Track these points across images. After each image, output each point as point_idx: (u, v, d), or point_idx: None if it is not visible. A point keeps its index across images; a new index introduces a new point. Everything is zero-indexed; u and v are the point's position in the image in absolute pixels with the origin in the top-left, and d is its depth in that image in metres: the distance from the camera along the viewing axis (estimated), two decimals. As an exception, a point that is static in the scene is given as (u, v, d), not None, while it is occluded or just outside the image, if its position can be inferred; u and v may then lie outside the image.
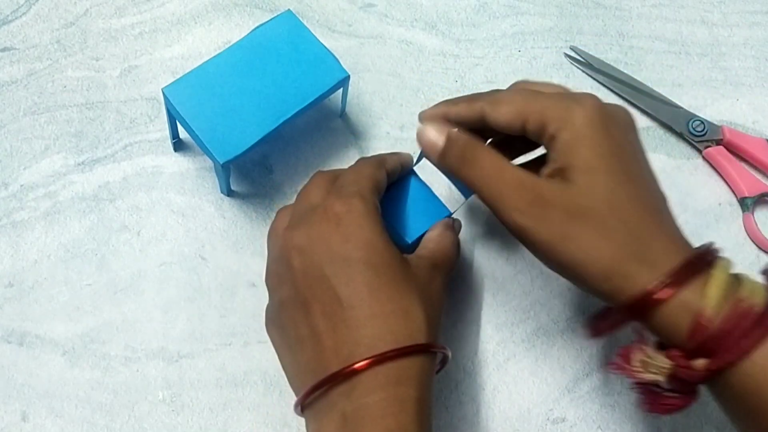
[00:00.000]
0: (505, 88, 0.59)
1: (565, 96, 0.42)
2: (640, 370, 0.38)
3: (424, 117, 0.45)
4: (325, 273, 0.39)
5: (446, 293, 0.44)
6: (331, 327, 0.38)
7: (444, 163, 0.43)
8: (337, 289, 0.38)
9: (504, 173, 0.40)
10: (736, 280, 0.37)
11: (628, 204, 0.38)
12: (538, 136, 0.41)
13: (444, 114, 0.44)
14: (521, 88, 0.45)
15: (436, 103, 0.46)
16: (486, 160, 0.41)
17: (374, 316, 0.38)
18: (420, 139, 0.43)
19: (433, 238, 0.45)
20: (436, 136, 0.43)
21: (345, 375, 0.37)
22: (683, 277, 0.36)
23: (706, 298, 0.36)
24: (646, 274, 0.37)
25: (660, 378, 0.37)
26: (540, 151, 0.45)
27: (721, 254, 0.39)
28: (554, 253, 0.39)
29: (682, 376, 0.36)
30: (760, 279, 0.39)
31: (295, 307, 0.39)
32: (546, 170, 0.41)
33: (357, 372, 0.37)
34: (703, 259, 0.38)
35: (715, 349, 0.35)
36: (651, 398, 0.39)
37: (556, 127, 0.40)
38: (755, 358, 0.35)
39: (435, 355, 0.40)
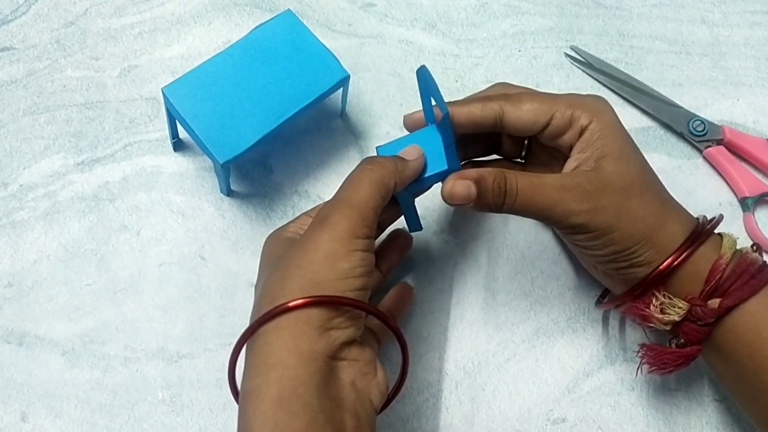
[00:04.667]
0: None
1: (577, 95, 0.46)
2: (658, 312, 0.43)
3: (409, 125, 0.47)
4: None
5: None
6: None
7: (484, 206, 0.44)
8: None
9: (544, 187, 0.43)
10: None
11: (653, 180, 0.45)
12: (559, 132, 0.45)
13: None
14: (508, 88, 0.48)
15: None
16: (521, 183, 0.43)
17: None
18: (452, 198, 0.43)
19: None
20: (466, 187, 0.43)
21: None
22: (703, 234, 0.44)
23: (722, 249, 0.43)
24: (680, 232, 0.44)
25: (676, 318, 0.43)
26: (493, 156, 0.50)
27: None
28: (613, 235, 0.43)
29: (698, 314, 0.42)
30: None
31: None
32: (573, 163, 0.45)
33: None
34: (711, 223, 0.45)
35: (727, 289, 0.42)
36: (658, 355, 0.45)
37: (587, 119, 0.44)
38: (758, 299, 0.42)
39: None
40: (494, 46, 0.61)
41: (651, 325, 0.44)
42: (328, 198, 0.53)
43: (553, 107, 0.44)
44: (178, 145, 0.55)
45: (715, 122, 0.58)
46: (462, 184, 0.43)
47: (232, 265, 0.52)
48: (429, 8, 0.62)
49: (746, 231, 0.55)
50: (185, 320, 0.50)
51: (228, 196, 0.54)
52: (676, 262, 0.43)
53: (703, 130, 0.57)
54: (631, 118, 0.58)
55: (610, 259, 0.44)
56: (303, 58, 0.51)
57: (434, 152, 0.45)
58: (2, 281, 0.51)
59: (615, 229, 0.43)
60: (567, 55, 0.61)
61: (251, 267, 0.52)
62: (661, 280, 0.44)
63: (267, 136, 0.49)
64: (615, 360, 0.51)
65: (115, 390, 0.48)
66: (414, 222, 0.48)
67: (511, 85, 0.48)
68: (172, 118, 0.51)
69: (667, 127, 0.58)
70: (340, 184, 0.42)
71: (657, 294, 0.44)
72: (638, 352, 0.46)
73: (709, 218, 0.46)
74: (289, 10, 0.52)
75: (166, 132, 0.55)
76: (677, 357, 0.44)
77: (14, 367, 0.48)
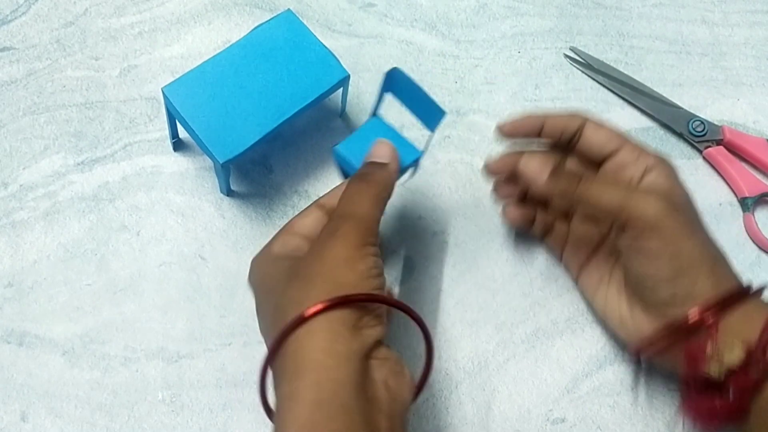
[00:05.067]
0: (504, 89, 0.59)
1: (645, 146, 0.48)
2: (714, 359, 0.40)
3: (505, 131, 0.50)
4: None
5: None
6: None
7: (556, 184, 0.47)
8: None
9: (625, 187, 0.45)
10: None
11: (707, 234, 0.45)
12: (624, 162, 0.47)
13: (536, 121, 0.49)
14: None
15: (520, 116, 0.49)
16: (601, 178, 0.46)
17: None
18: (525, 168, 0.48)
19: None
20: (543, 161, 0.48)
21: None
22: (755, 290, 0.43)
23: None
24: (732, 274, 0.44)
25: (736, 361, 0.40)
26: None
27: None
28: (685, 243, 0.43)
29: (759, 361, 0.39)
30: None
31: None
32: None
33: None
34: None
35: None
36: (702, 403, 0.41)
37: (653, 162, 0.46)
38: None
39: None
40: (494, 47, 0.61)
41: (700, 373, 0.41)
42: (328, 198, 0.54)
43: (625, 141, 0.47)
44: (178, 145, 0.55)
45: (715, 122, 0.58)
46: (539, 158, 0.48)
47: (232, 265, 0.52)
48: (429, 9, 0.62)
49: (746, 231, 0.55)
50: (185, 320, 0.50)
51: (228, 196, 0.54)
52: (746, 294, 0.42)
53: (703, 130, 0.57)
54: (631, 119, 0.58)
55: (667, 278, 0.43)
56: (303, 58, 0.51)
57: (396, 142, 0.46)
58: (2, 281, 0.51)
59: (688, 238, 0.43)
60: (566, 56, 0.61)
61: (251, 267, 0.52)
62: (715, 322, 0.41)
63: (267, 136, 0.49)
64: (614, 360, 0.51)
65: (115, 390, 0.48)
66: None
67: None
68: (172, 118, 0.51)
69: (667, 127, 0.58)
70: (336, 180, 0.43)
71: (714, 336, 0.41)
72: (680, 407, 0.44)
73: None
74: (289, 10, 0.52)
75: (166, 132, 0.55)
76: (724, 411, 0.40)
77: (14, 367, 0.48)
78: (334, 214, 0.42)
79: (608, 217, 0.45)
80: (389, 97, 0.48)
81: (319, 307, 0.37)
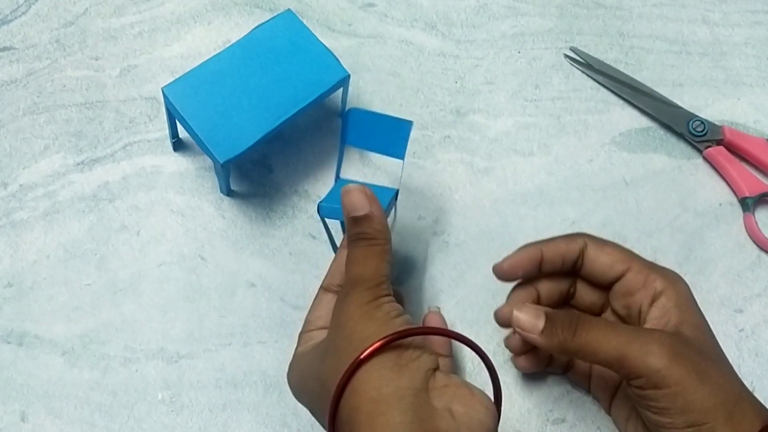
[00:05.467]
0: (504, 89, 0.59)
1: (654, 263, 0.45)
2: None
3: (504, 272, 0.47)
4: None
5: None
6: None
7: (551, 339, 0.42)
8: None
9: (619, 329, 0.41)
10: None
11: (726, 357, 0.43)
12: (632, 287, 0.44)
13: (534, 252, 0.46)
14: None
15: (517, 250, 0.47)
16: (595, 321, 0.42)
17: None
18: (517, 323, 0.43)
19: None
20: (535, 314, 0.43)
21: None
22: None
23: None
24: (759, 414, 0.40)
25: None
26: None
27: None
28: (694, 396, 0.39)
29: None
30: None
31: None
32: (649, 324, 0.43)
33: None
34: None
35: None
36: None
37: (663, 285, 0.43)
38: None
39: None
40: (494, 47, 0.61)
41: None
42: (328, 198, 0.54)
43: (631, 261, 0.45)
44: (178, 144, 0.55)
45: (715, 122, 0.58)
46: (531, 313, 0.43)
47: (232, 265, 0.52)
48: (429, 9, 0.62)
49: (746, 231, 0.55)
50: (185, 320, 0.50)
51: (228, 196, 0.54)
52: None
53: (703, 130, 0.57)
54: (631, 119, 0.58)
55: (685, 427, 0.39)
56: (303, 58, 0.51)
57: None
58: (2, 281, 0.51)
59: (696, 390, 0.39)
60: (566, 56, 0.61)
61: (251, 267, 0.52)
62: None
63: (267, 136, 0.49)
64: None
65: (115, 390, 0.48)
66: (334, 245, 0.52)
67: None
68: (172, 118, 0.51)
69: (667, 127, 0.58)
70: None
71: None
72: None
73: None
74: (289, 9, 0.52)
75: (166, 132, 0.54)
76: None
77: (14, 367, 0.48)
78: (344, 283, 0.42)
79: (611, 369, 0.41)
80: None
81: (353, 365, 0.37)
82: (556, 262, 0.46)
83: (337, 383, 0.37)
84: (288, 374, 0.44)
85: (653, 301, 0.43)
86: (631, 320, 0.45)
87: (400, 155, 0.48)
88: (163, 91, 0.49)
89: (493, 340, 0.51)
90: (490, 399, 0.39)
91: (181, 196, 0.54)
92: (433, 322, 0.48)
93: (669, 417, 0.40)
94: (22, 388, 0.48)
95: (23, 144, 0.55)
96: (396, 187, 0.49)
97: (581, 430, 0.49)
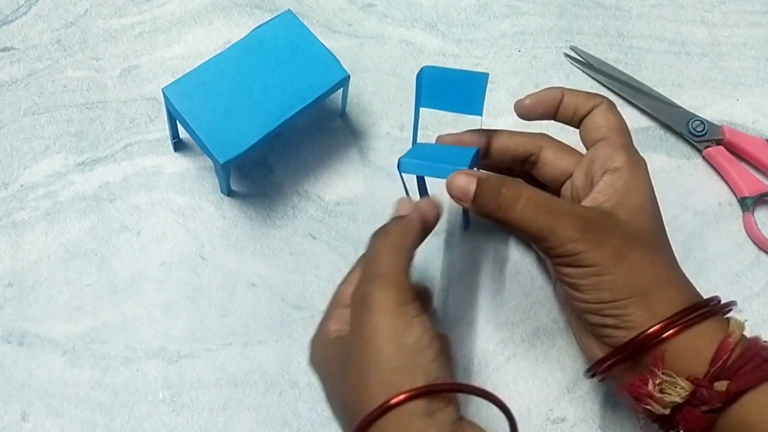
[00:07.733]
0: (504, 88, 0.59)
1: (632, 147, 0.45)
2: (657, 392, 0.38)
3: (526, 109, 0.47)
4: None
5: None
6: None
7: (480, 206, 0.42)
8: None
9: (552, 206, 0.41)
10: None
11: (665, 244, 0.43)
12: (599, 155, 0.44)
13: (556, 93, 0.46)
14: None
15: (541, 90, 0.47)
16: (528, 195, 0.41)
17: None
18: (450, 187, 0.42)
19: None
20: (467, 181, 0.42)
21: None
22: (707, 307, 0.40)
23: (730, 329, 0.39)
24: (680, 301, 0.40)
25: (678, 399, 0.38)
26: None
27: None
28: (606, 277, 0.40)
29: (703, 397, 0.37)
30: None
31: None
32: (588, 201, 0.43)
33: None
34: (720, 303, 0.41)
35: (736, 372, 0.37)
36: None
37: (623, 163, 0.43)
38: (764, 389, 0.37)
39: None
40: (494, 46, 0.61)
41: (648, 408, 0.39)
42: (327, 198, 0.54)
43: (618, 135, 0.44)
44: (179, 145, 0.55)
45: (715, 122, 0.58)
46: (464, 178, 0.41)
47: (233, 265, 0.52)
48: (429, 8, 0.62)
49: (746, 231, 0.55)
50: (185, 320, 0.50)
51: (228, 196, 0.54)
52: (670, 331, 0.38)
53: (703, 130, 0.57)
54: (630, 118, 0.58)
55: (595, 309, 0.40)
56: (303, 58, 0.51)
57: (447, 153, 0.45)
58: (3, 281, 0.51)
59: (609, 271, 0.39)
60: (567, 55, 0.61)
61: (252, 267, 0.52)
62: (659, 354, 0.39)
63: (267, 136, 0.49)
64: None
65: (116, 390, 0.48)
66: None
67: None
68: (173, 118, 0.51)
69: (667, 127, 0.58)
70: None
71: (656, 371, 0.39)
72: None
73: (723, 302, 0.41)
74: (289, 10, 0.52)
75: (167, 132, 0.55)
76: None
77: (15, 366, 0.49)
78: (361, 278, 0.40)
79: (532, 241, 0.42)
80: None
81: (381, 409, 0.35)
82: (569, 112, 0.46)
83: (363, 418, 0.36)
84: (311, 350, 0.42)
85: (604, 174, 0.43)
86: (584, 189, 0.44)
87: (478, 111, 0.46)
88: (163, 92, 0.49)
89: (492, 339, 0.51)
90: None
91: (181, 197, 0.54)
92: (402, 208, 0.45)
93: (582, 293, 0.40)
94: (23, 388, 0.48)
95: (24, 144, 0.55)
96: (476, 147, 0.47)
97: (581, 429, 0.49)
